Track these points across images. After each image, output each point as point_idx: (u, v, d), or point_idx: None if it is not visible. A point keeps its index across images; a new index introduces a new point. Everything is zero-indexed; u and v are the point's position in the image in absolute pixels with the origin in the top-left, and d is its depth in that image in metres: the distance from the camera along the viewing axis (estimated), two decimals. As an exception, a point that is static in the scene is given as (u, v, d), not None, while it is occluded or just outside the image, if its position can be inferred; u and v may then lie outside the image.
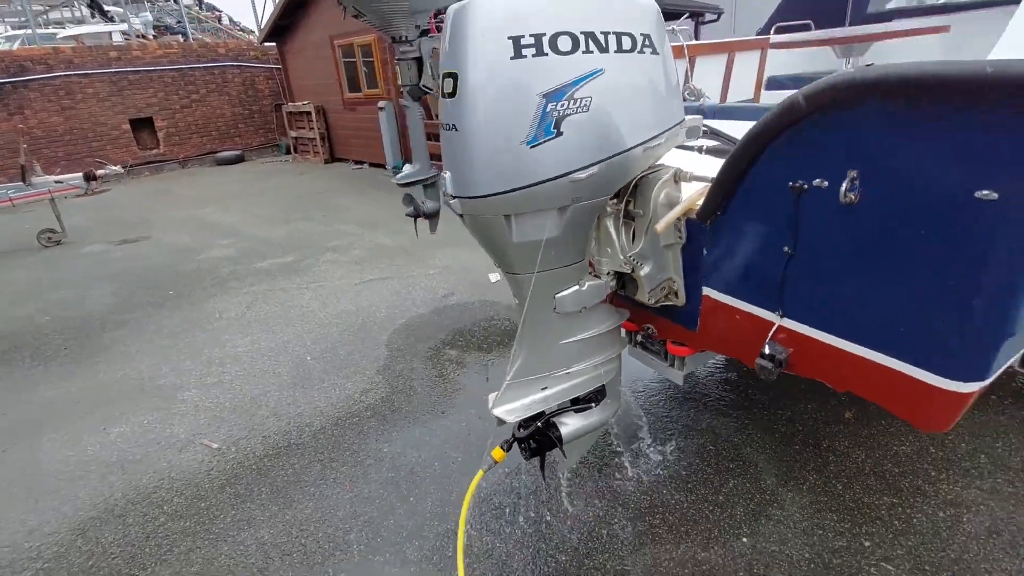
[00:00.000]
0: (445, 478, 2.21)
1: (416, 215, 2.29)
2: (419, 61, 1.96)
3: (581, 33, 1.22)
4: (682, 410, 2.50)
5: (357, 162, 10.01)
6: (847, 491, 1.98)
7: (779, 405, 2.45)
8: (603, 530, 1.91)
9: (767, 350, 1.45)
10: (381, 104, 9.51)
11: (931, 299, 1.11)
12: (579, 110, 1.25)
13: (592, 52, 1.23)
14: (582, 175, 1.31)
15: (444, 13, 1.89)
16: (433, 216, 2.29)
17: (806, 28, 3.89)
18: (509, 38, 1.17)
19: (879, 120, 1.00)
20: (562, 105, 1.23)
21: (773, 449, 2.21)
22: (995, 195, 0.92)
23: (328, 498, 2.16)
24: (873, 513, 1.89)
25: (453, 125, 1.26)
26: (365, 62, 8.66)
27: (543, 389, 1.70)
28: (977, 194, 0.94)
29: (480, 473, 1.74)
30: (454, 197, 1.35)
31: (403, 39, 1.92)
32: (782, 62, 3.50)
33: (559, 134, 1.25)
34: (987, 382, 1.15)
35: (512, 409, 1.66)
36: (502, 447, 1.75)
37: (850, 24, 4.04)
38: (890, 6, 4.14)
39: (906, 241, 1.08)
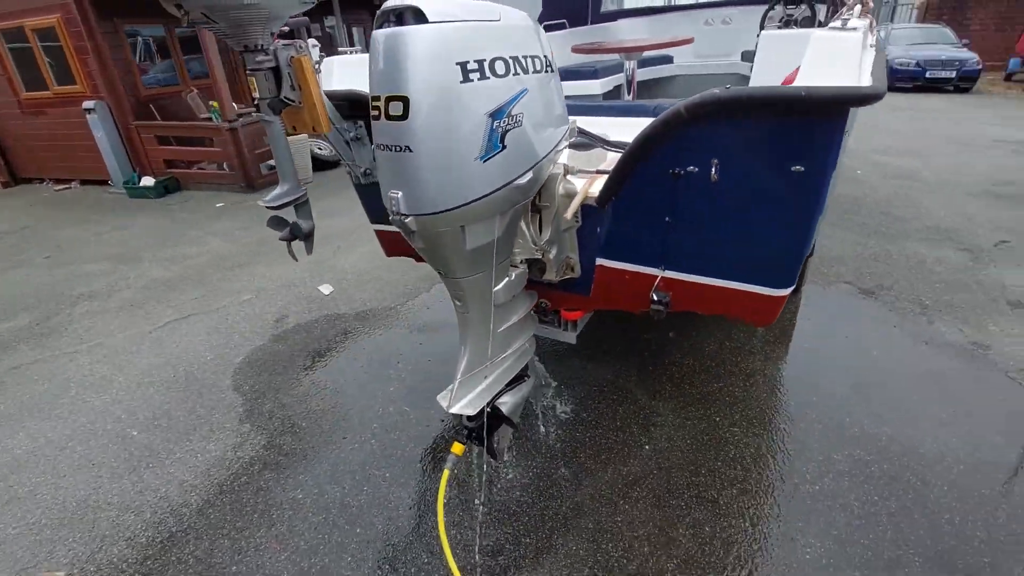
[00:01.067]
0: (382, 497, 2.18)
1: (291, 238, 2.09)
2: (276, 71, 1.79)
3: (510, 57, 1.37)
4: (563, 366, 2.91)
5: (60, 182, 7.80)
6: (692, 388, 2.66)
7: (628, 342, 3.06)
8: (546, 483, 2.19)
9: (655, 298, 1.88)
10: (88, 104, 7.68)
11: (764, 239, 1.64)
12: (515, 125, 1.41)
13: (519, 74, 1.40)
14: (522, 181, 1.49)
15: (291, 22, 1.80)
16: (309, 237, 2.12)
17: (562, 27, 4.59)
18: (457, 64, 1.26)
19: (735, 125, 1.44)
20: (504, 122, 1.38)
21: (637, 375, 2.78)
22: (802, 168, 1.44)
23: (260, 568, 1.93)
24: (712, 397, 2.59)
25: (406, 147, 1.29)
26: (47, 50, 6.71)
27: (486, 378, 1.85)
28: (792, 168, 1.45)
29: (446, 473, 1.83)
30: (407, 216, 1.38)
31: (258, 48, 1.72)
32: (565, 56, 4.11)
33: (504, 148, 1.40)
34: (793, 287, 1.77)
35: (469, 402, 1.78)
36: (459, 441, 1.86)
37: (591, 23, 4.91)
38: (612, 8, 5.16)
39: (750, 203, 1.57)
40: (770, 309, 1.81)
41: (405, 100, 1.25)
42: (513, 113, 1.40)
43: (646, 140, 1.54)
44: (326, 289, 4.01)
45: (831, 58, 1.42)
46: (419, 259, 2.81)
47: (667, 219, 1.71)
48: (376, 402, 2.74)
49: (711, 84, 1.39)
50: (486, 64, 1.31)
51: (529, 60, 1.45)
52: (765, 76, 2.39)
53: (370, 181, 2.21)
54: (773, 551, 1.86)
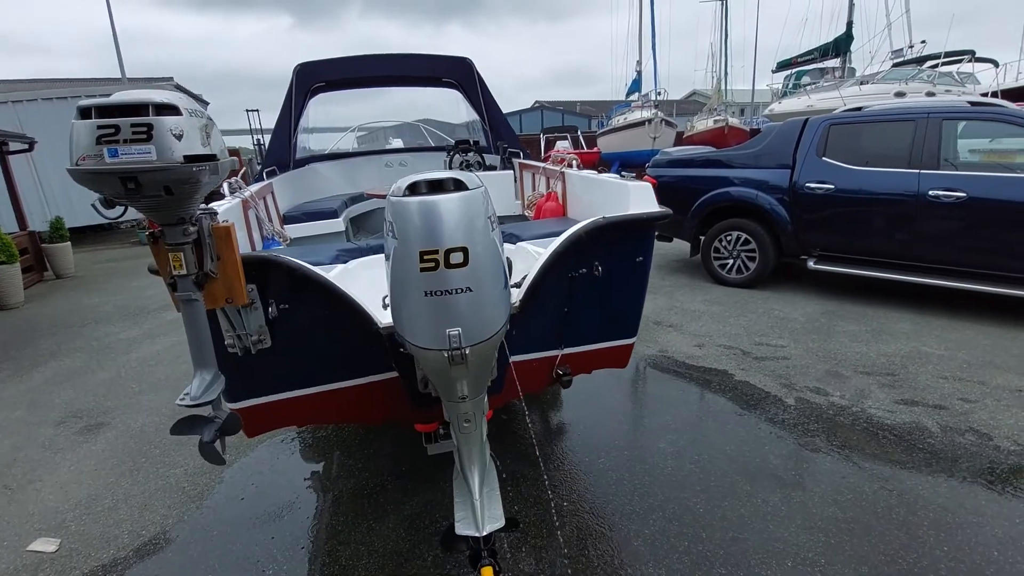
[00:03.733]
0: None
1: (216, 437, 1.56)
2: (197, 242, 1.50)
3: (494, 211, 1.75)
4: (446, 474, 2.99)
5: None
6: (550, 447, 3.23)
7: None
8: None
9: (559, 372, 2.44)
10: None
11: (623, 307, 2.46)
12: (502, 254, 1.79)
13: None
14: (514, 300, 1.84)
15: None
16: (237, 429, 1.62)
17: (274, 173, 4.67)
18: (487, 218, 1.58)
19: (609, 238, 2.22)
20: (504, 257, 1.73)
21: (512, 459, 3.15)
22: (641, 258, 2.34)
23: None
24: (567, 447, 3.23)
25: (467, 288, 1.50)
26: None
27: (484, 491, 1.98)
28: (636, 259, 2.33)
29: (490, 603, 1.82)
30: (467, 347, 1.53)
31: (188, 219, 1.42)
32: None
33: (508, 276, 1.74)
34: (637, 335, 2.65)
35: (491, 517, 1.88)
36: (484, 565, 1.88)
37: (293, 168, 5.13)
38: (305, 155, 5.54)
39: (615, 285, 2.37)
40: (628, 353, 2.64)
41: (465, 250, 1.48)
42: (503, 248, 1.77)
43: (558, 256, 2.14)
44: (48, 545, 2.70)
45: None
46: (302, 424, 2.48)
47: (565, 310, 2.33)
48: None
49: None
50: (494, 217, 1.67)
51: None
52: None
53: (260, 348, 1.99)
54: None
